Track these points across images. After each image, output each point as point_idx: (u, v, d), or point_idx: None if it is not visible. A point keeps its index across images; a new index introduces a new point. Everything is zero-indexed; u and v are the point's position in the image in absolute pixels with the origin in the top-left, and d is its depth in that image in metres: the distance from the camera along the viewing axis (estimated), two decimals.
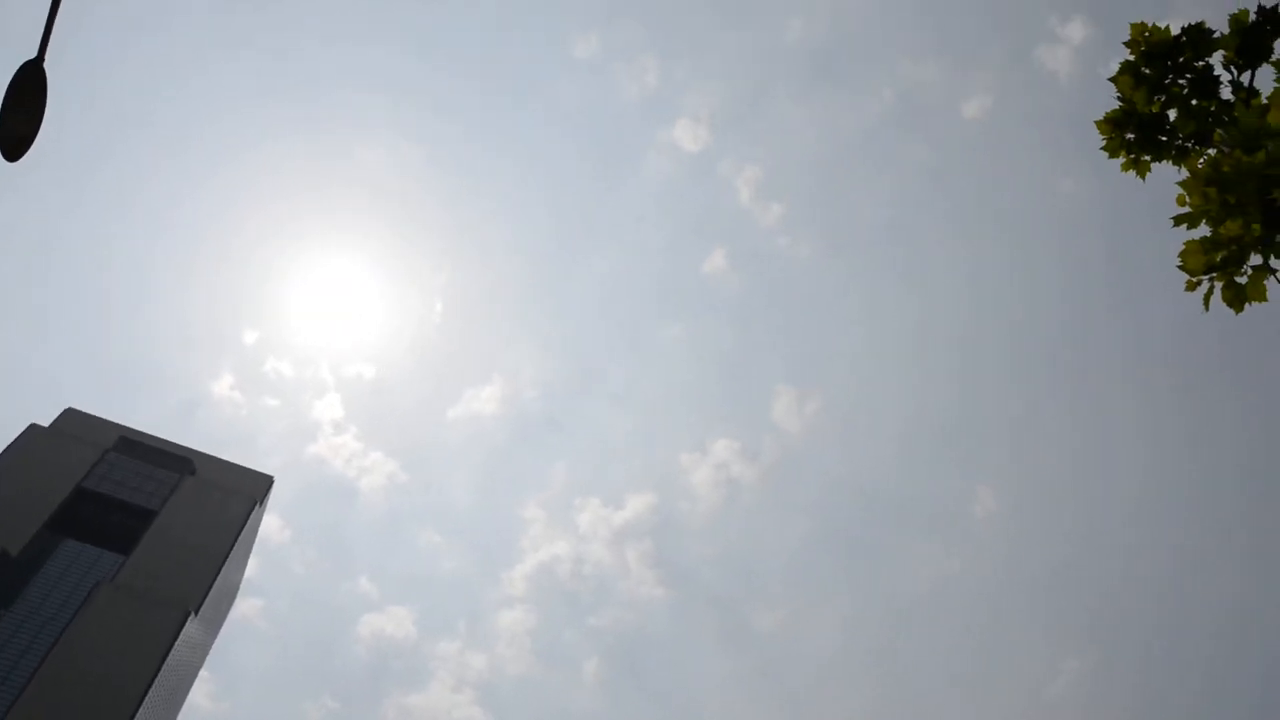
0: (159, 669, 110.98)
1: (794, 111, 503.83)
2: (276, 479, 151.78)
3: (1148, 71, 4.83)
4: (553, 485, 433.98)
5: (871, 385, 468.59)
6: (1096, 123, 5.14)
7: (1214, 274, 4.26)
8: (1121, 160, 5.11)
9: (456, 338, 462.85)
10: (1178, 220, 4.28)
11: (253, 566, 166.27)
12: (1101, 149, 5.08)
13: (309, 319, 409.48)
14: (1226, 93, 4.68)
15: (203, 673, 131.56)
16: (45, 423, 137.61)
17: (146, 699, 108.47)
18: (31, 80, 6.09)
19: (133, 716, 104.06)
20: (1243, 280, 4.21)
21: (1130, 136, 4.98)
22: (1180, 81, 4.72)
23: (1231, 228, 4.14)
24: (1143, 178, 5.04)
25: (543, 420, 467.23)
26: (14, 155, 6.41)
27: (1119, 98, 4.98)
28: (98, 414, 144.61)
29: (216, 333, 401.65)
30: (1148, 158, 4.99)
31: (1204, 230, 4.34)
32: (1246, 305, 4.26)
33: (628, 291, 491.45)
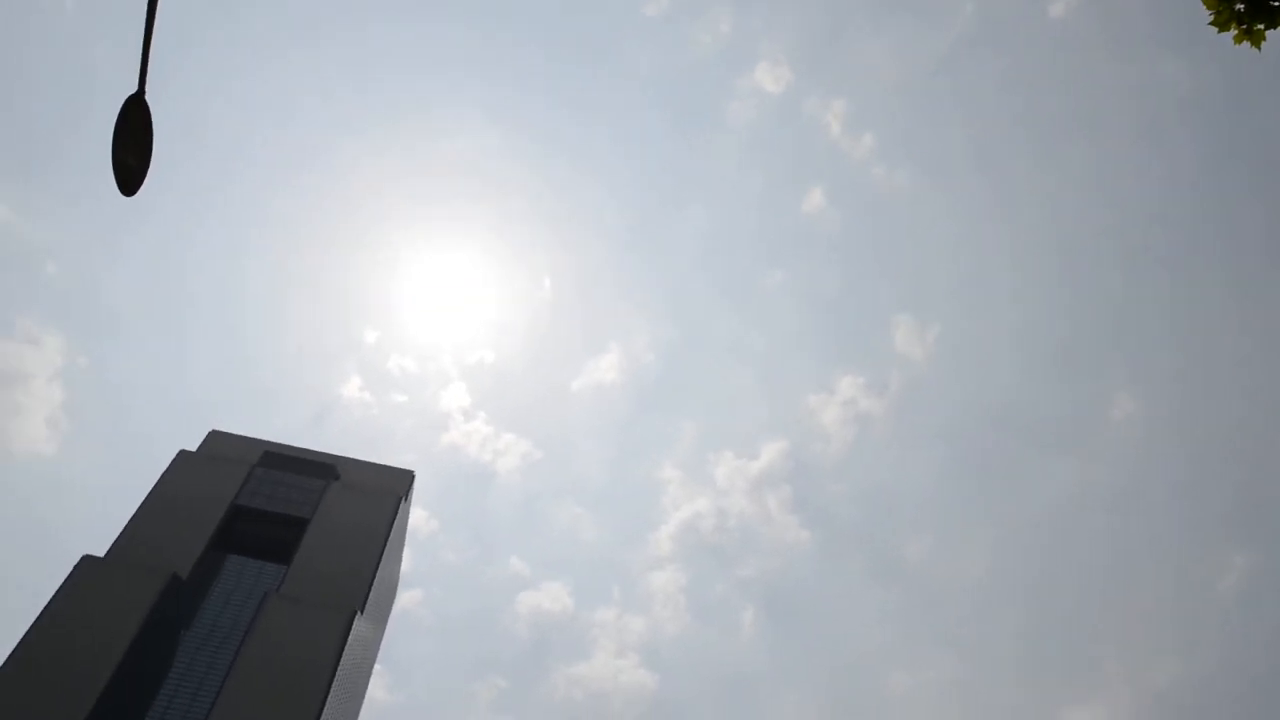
0: (335, 670, 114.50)
1: (874, 40, 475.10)
2: (416, 472, 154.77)
3: None
4: (684, 443, 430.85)
5: (988, 305, 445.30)
6: None
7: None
8: (1233, 33, 4.91)
9: (568, 311, 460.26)
10: None
11: (407, 560, 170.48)
12: (1210, 24, 4.91)
13: (423, 312, 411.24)
14: None
15: (376, 667, 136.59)
16: (192, 447, 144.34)
17: (329, 701, 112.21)
18: (136, 115, 6.31)
19: (319, 718, 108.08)
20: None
21: (1240, 6, 4.82)
22: None
23: None
24: (1258, 47, 4.87)
25: (664, 381, 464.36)
26: (129, 189, 6.70)
27: None
28: (240, 432, 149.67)
29: (339, 337, 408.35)
30: (1261, 25, 4.84)
31: None
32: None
33: (730, 242, 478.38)
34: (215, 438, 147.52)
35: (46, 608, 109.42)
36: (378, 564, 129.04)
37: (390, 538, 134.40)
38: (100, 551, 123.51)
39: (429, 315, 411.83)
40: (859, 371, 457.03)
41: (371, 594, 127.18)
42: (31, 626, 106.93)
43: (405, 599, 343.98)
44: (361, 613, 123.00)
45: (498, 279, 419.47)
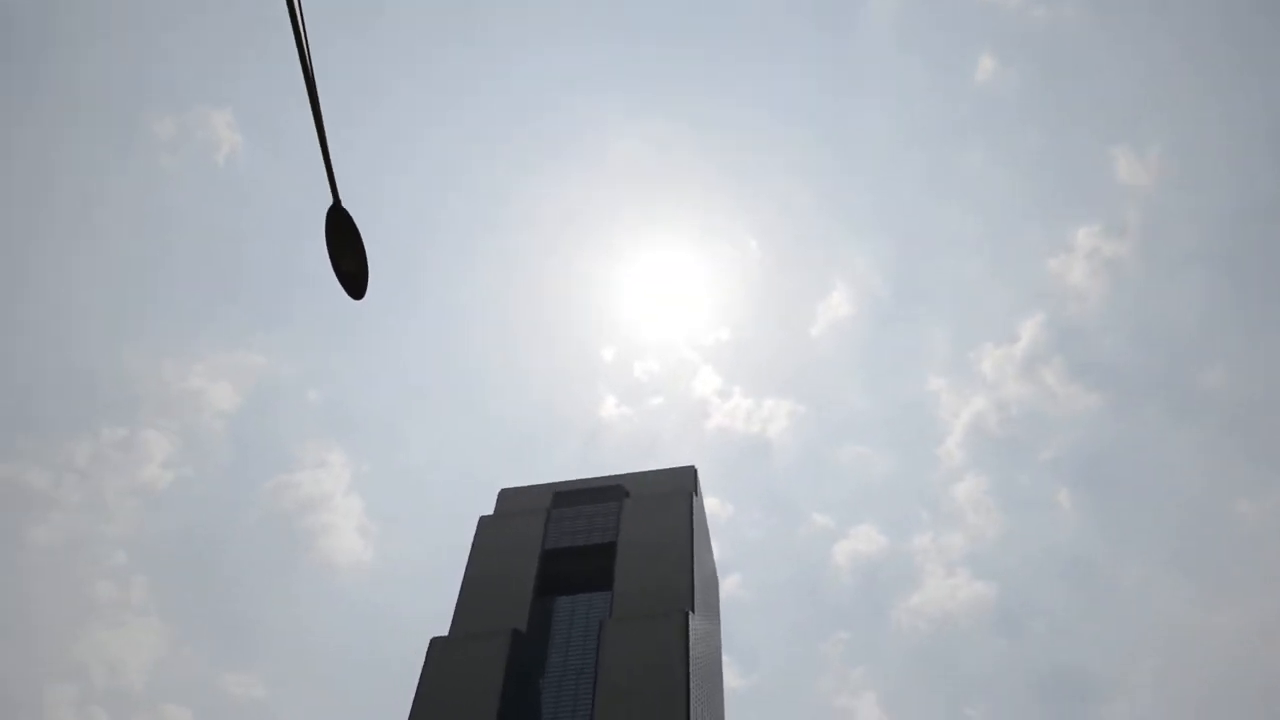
0: (688, 674, 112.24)
1: None
2: (696, 465, 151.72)
3: None
4: (940, 350, 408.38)
5: (1200, 109, 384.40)
6: None
7: None
8: None
9: (783, 263, 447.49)
10: None
11: (717, 549, 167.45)
12: None
13: (648, 314, 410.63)
14: None
15: (724, 658, 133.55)
16: (488, 510, 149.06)
17: (692, 705, 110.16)
18: (341, 223, 6.48)
19: None
20: None
21: None
22: None
23: None
24: None
25: (899, 297, 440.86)
26: (358, 293, 6.88)
27: None
28: (524, 483, 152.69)
29: (581, 365, 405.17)
30: None
31: None
32: None
33: (913, 137, 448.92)
34: (506, 495, 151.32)
35: (418, 693, 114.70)
36: (692, 562, 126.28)
37: (695, 534, 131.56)
38: (442, 630, 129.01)
39: (654, 315, 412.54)
40: (1091, 219, 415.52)
41: (696, 592, 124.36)
42: (410, 714, 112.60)
43: (727, 586, 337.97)
44: (693, 612, 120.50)
45: (707, 259, 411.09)
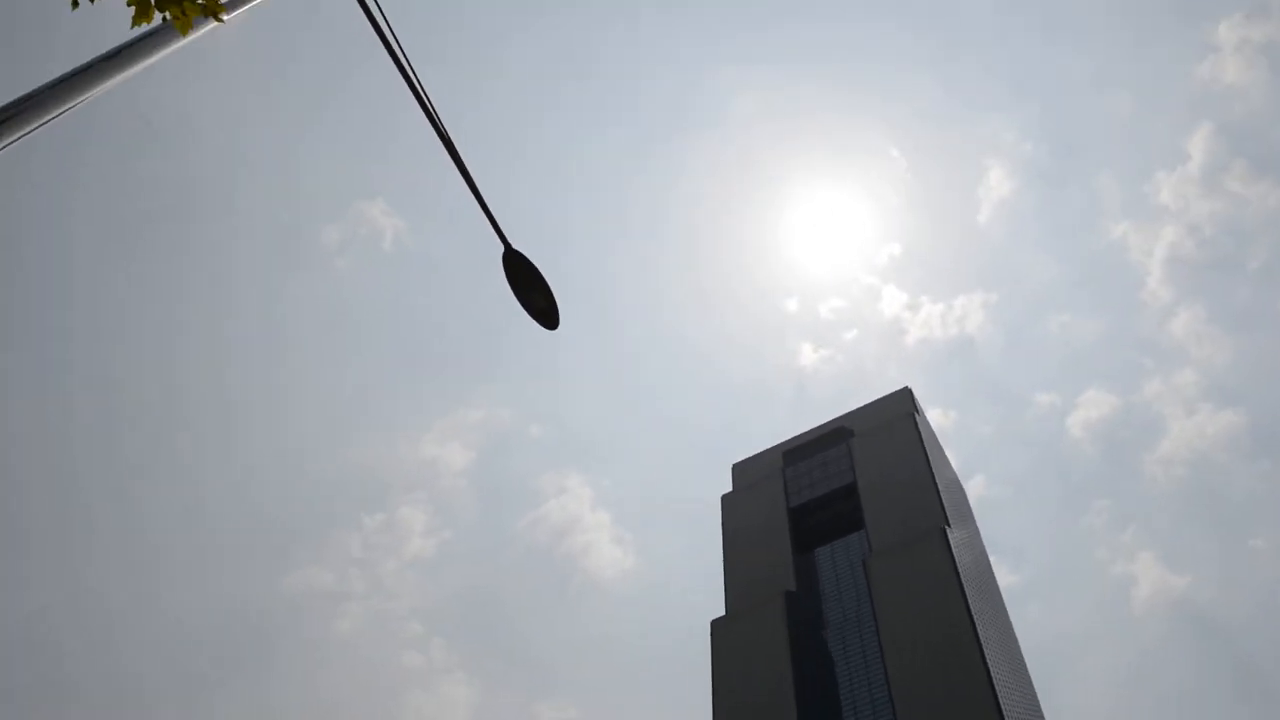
0: (961, 585, 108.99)
1: None
2: (909, 385, 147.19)
3: None
4: (1111, 196, 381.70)
5: None
6: None
7: None
8: None
9: (929, 161, 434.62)
10: None
11: (953, 458, 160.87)
12: None
13: (815, 254, 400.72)
14: None
15: (991, 559, 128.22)
16: (727, 488, 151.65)
17: (974, 613, 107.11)
18: (518, 265, 6.65)
19: (976, 636, 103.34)
20: None
21: None
22: None
23: None
24: None
25: (1056, 156, 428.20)
26: (552, 324, 6.93)
27: None
28: (752, 452, 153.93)
29: (771, 321, 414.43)
30: None
31: None
32: None
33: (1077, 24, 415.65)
34: (739, 468, 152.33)
35: (713, 672, 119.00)
36: (932, 478, 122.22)
37: (927, 451, 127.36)
38: (718, 610, 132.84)
39: (822, 253, 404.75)
40: (1230, 8, 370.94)
41: (945, 505, 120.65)
42: (713, 696, 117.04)
43: (973, 489, 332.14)
44: (949, 525, 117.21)
45: (855, 182, 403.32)
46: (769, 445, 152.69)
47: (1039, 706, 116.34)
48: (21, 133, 3.16)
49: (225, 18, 3.87)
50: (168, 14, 3.69)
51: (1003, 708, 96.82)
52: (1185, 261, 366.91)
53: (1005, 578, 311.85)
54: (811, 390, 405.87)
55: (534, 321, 7.07)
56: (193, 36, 3.85)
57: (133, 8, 3.51)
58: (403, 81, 5.63)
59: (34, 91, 3.29)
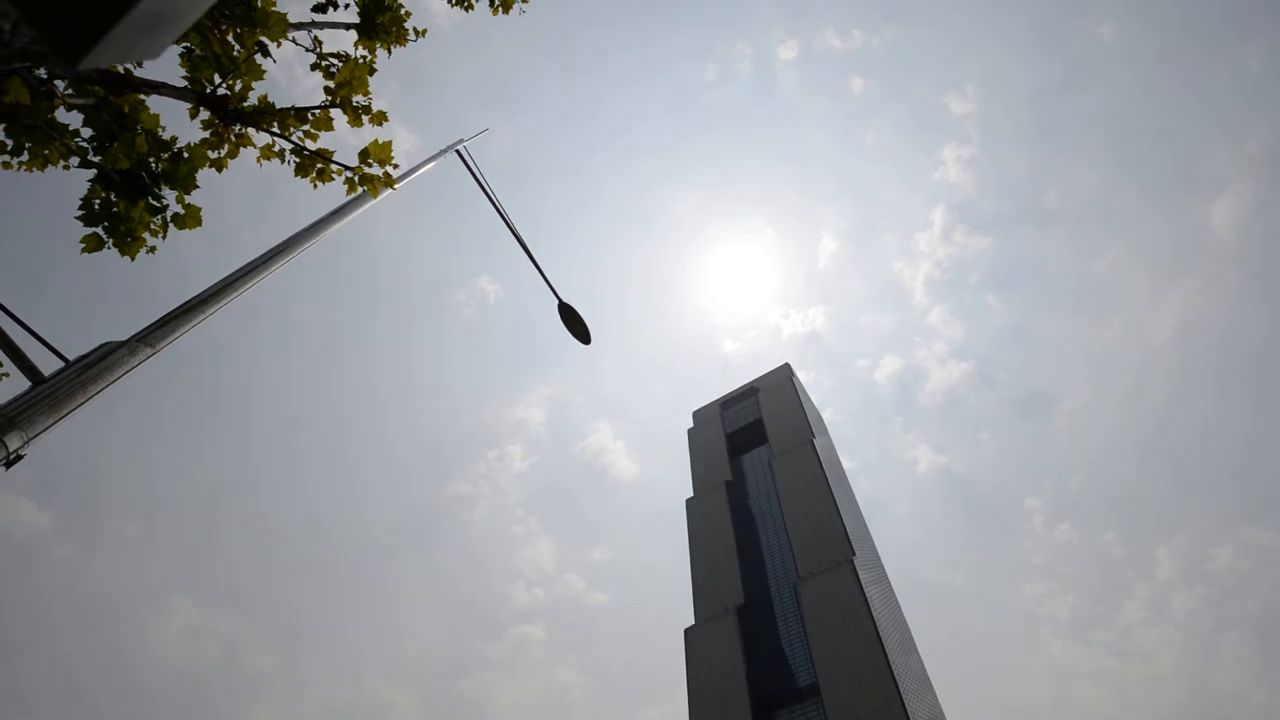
0: (823, 470, 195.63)
1: None
2: (788, 359, 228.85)
3: None
4: (892, 246, 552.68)
5: None
6: None
7: None
8: None
9: (782, 220, 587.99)
10: None
11: (814, 398, 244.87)
12: None
13: (731, 288, 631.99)
14: None
15: (840, 453, 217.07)
16: (690, 425, 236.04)
17: (832, 489, 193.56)
18: (566, 309, 10.83)
19: (831, 495, 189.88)
20: None
21: None
22: None
23: None
24: None
25: (855, 229, 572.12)
26: (586, 342, 11.12)
27: None
28: (704, 402, 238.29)
29: (705, 331, 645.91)
30: None
31: None
32: None
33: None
34: (698, 413, 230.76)
35: (690, 527, 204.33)
36: (804, 411, 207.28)
37: (800, 396, 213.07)
38: (688, 493, 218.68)
39: (733, 288, 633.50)
40: (952, 139, 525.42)
41: (811, 426, 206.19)
42: (689, 544, 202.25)
43: (826, 416, 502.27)
44: (815, 436, 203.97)
45: (748, 246, 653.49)
46: (712, 399, 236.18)
47: (875, 546, 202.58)
48: (290, 258, 6.11)
49: (397, 187, 6.92)
50: (364, 187, 6.70)
51: (853, 547, 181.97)
52: (934, 282, 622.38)
53: (847, 462, 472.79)
54: (733, 368, 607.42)
55: (576, 340, 10.68)
56: (379, 198, 7.04)
57: (345, 186, 6.72)
58: (499, 209, 11.01)
59: (293, 236, 6.38)
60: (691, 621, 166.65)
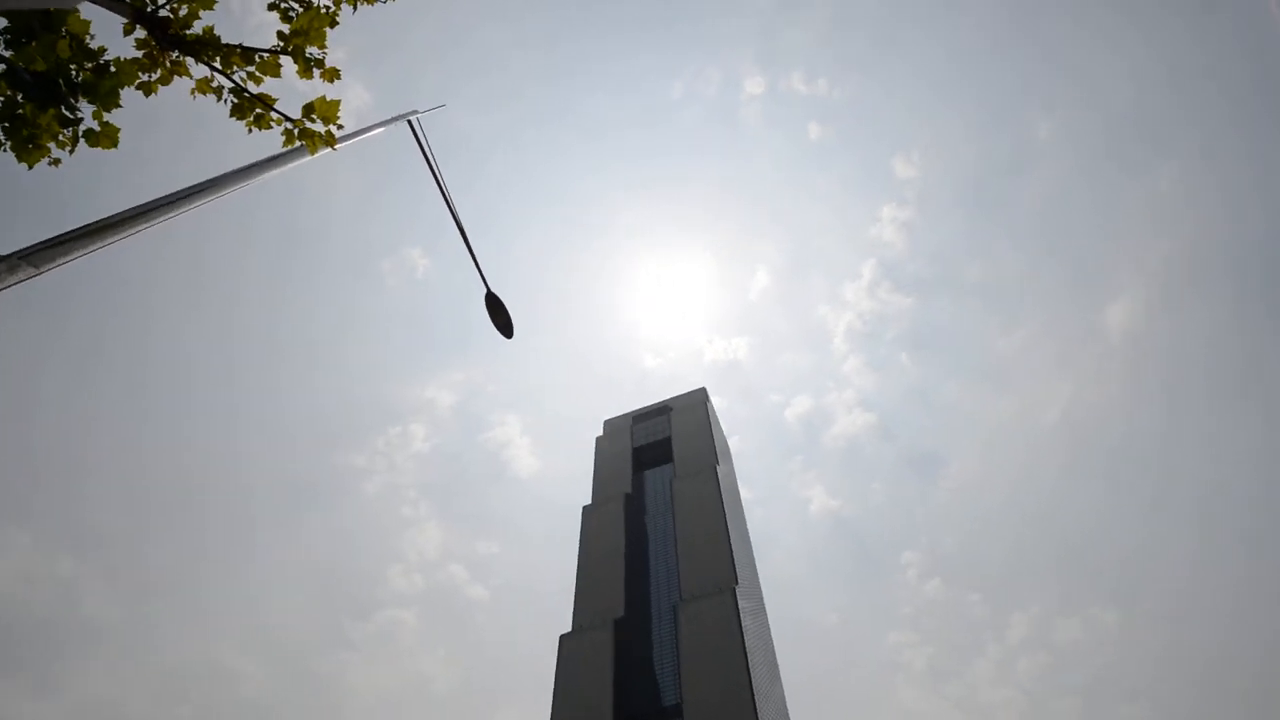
0: (720, 493, 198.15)
1: None
2: (705, 383, 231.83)
3: None
4: (821, 290, 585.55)
5: None
6: None
7: None
8: None
9: (715, 259, 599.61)
10: None
11: (724, 425, 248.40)
12: None
13: (658, 308, 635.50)
14: None
15: (741, 486, 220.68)
16: (599, 432, 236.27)
17: (726, 506, 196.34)
18: (492, 300, 10.67)
19: (726, 527, 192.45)
20: None
21: None
22: None
23: None
24: None
25: (793, 267, 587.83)
26: (509, 334, 10.76)
27: None
28: (618, 413, 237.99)
29: (628, 345, 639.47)
30: None
31: None
32: None
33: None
34: (609, 423, 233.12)
35: (579, 551, 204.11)
36: (712, 436, 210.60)
37: (710, 421, 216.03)
38: (587, 498, 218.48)
39: (661, 309, 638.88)
40: (890, 200, 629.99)
41: (717, 451, 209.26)
42: (578, 550, 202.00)
43: (733, 444, 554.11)
44: (718, 463, 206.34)
45: (683, 272, 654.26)
46: (625, 411, 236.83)
47: (758, 578, 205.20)
48: (210, 198, 5.48)
49: (338, 147, 6.71)
50: (303, 142, 6.34)
51: (738, 576, 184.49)
52: (854, 332, 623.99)
53: (746, 493, 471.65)
54: (650, 383, 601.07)
55: (498, 332, 10.44)
56: (317, 155, 6.61)
57: (284, 137, 6.28)
58: (444, 184, 10.36)
59: (217, 177, 5.63)
60: (568, 628, 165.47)
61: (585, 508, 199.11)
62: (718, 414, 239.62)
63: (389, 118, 10.79)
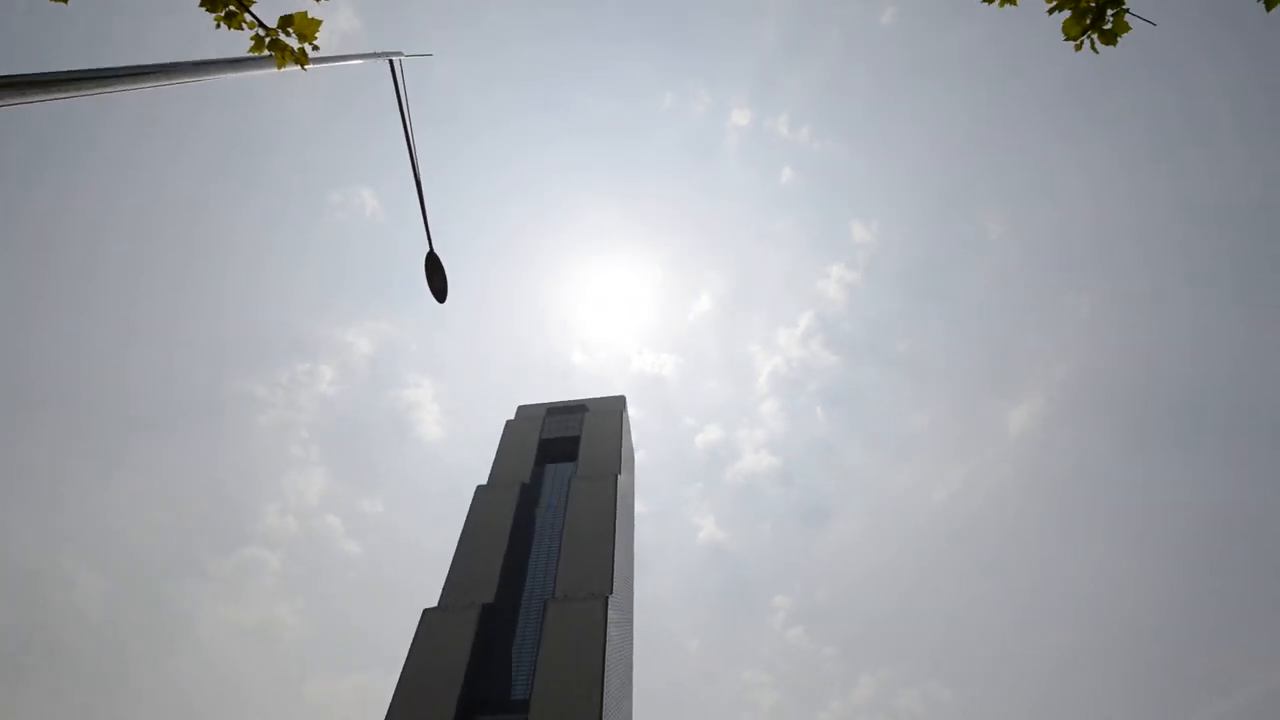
0: (616, 498, 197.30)
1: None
2: (625, 391, 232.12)
3: None
4: (756, 329, 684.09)
5: None
6: None
7: (1088, 31, 5.34)
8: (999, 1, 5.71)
9: (664, 280, 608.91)
10: (1053, 10, 5.43)
11: (635, 436, 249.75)
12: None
13: (596, 311, 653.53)
14: None
15: (638, 501, 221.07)
16: (512, 416, 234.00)
17: (619, 510, 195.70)
18: (433, 261, 10.06)
19: (614, 529, 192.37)
20: (1109, 26, 5.33)
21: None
22: None
23: None
24: (1015, 3, 5.70)
25: (736, 298, 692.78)
26: (442, 299, 10.38)
27: None
28: (533, 401, 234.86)
29: (561, 339, 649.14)
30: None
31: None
32: (1118, 39, 5.35)
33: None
34: (522, 409, 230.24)
35: (464, 530, 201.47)
36: (620, 444, 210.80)
37: (623, 429, 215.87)
38: (486, 473, 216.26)
39: (599, 312, 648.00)
40: (839, 260, 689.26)
41: (622, 459, 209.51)
42: (462, 528, 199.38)
43: (639, 457, 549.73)
44: (621, 472, 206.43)
45: (629, 284, 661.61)
46: (542, 401, 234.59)
47: (633, 591, 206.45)
48: (156, 84, 5.19)
49: (308, 68, 6.25)
50: (272, 53, 5.93)
51: (613, 586, 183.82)
52: (778, 376, 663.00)
53: (640, 506, 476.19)
54: (572, 378, 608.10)
55: (431, 294, 10.21)
56: (283, 70, 6.20)
57: (252, 42, 5.78)
58: (411, 131, 9.80)
59: (174, 64, 5.46)
60: (435, 604, 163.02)
61: (480, 487, 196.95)
62: (631, 424, 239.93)
63: (371, 52, 10.33)
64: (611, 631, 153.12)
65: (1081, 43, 5.61)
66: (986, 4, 5.91)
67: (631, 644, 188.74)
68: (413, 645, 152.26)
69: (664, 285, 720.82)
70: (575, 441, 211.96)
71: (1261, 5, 5.20)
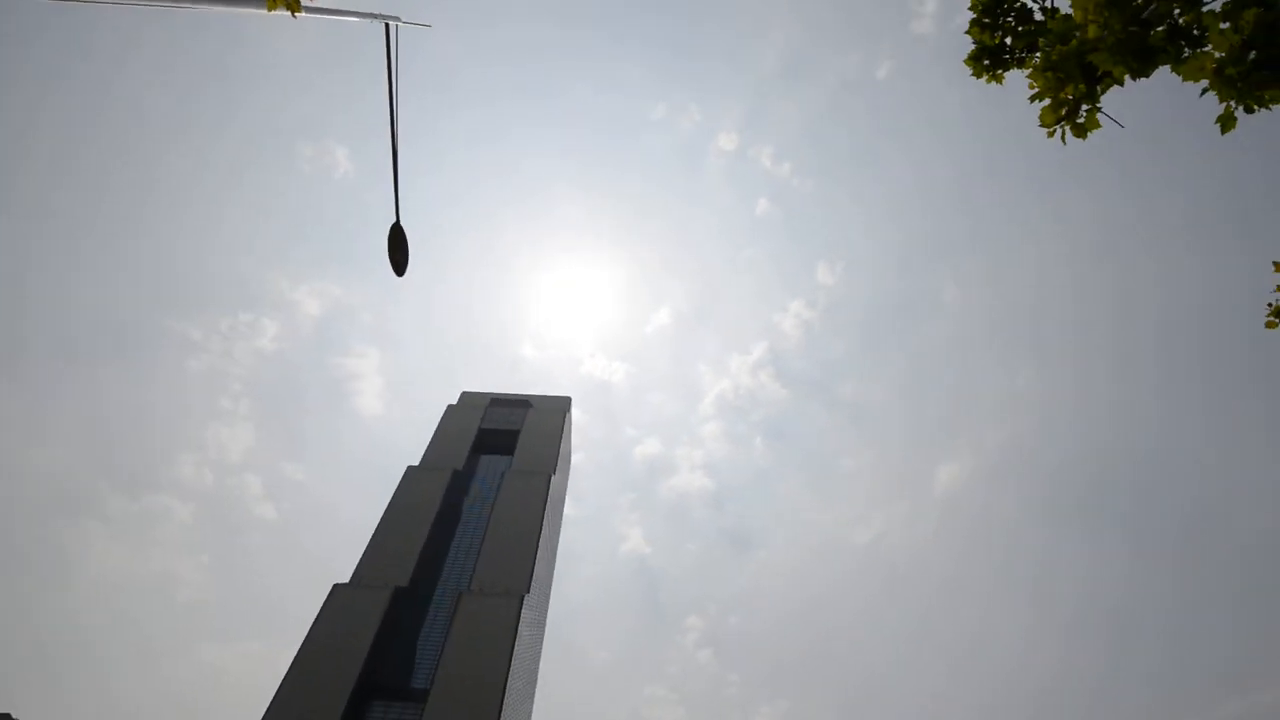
0: (547, 495, 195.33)
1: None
2: (571, 393, 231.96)
3: (986, 20, 6.20)
4: (709, 350, 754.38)
5: None
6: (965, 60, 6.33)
7: (1062, 122, 5.77)
8: (985, 78, 6.23)
9: (626, 292, 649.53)
10: (1033, 98, 5.81)
11: (575, 439, 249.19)
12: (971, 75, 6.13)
13: (556, 308, 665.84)
14: (1038, 17, 6.06)
15: (568, 503, 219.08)
16: (454, 400, 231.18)
17: (548, 508, 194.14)
18: (397, 233, 9.77)
19: (540, 527, 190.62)
20: (1081, 120, 5.78)
21: (986, 62, 6.23)
22: (1008, 20, 6.12)
23: (1068, 91, 5.69)
24: (1000, 82, 6.29)
25: (698, 316, 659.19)
26: (400, 273, 10.22)
27: (974, 41, 6.29)
28: (478, 389, 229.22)
29: (513, 330, 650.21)
30: (1000, 70, 6.19)
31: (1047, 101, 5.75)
32: (1088, 134, 5.75)
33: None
34: (466, 395, 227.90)
35: (388, 508, 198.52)
36: (559, 444, 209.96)
37: (564, 430, 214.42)
38: (420, 455, 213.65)
39: (558, 309, 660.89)
40: (799, 297, 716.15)
41: (559, 459, 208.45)
42: (386, 507, 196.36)
43: (576, 460, 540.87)
44: (554, 472, 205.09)
45: (589, 290, 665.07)
46: (487, 390, 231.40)
47: (550, 594, 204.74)
48: (152, 3, 4.44)
49: (298, 15, 6.08)
50: None
51: (531, 586, 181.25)
52: (724, 401, 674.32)
53: (570, 509, 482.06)
54: (520, 372, 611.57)
55: (390, 266, 10.16)
56: (273, 14, 6.00)
57: None
58: (395, 96, 9.87)
59: None
60: (346, 581, 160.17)
61: (411, 468, 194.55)
62: (573, 426, 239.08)
63: (368, 11, 10.08)
64: (523, 631, 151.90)
65: (1053, 131, 5.99)
66: (976, 78, 6.44)
67: (541, 646, 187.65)
68: (317, 620, 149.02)
69: (626, 291, 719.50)
70: (515, 435, 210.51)
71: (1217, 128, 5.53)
